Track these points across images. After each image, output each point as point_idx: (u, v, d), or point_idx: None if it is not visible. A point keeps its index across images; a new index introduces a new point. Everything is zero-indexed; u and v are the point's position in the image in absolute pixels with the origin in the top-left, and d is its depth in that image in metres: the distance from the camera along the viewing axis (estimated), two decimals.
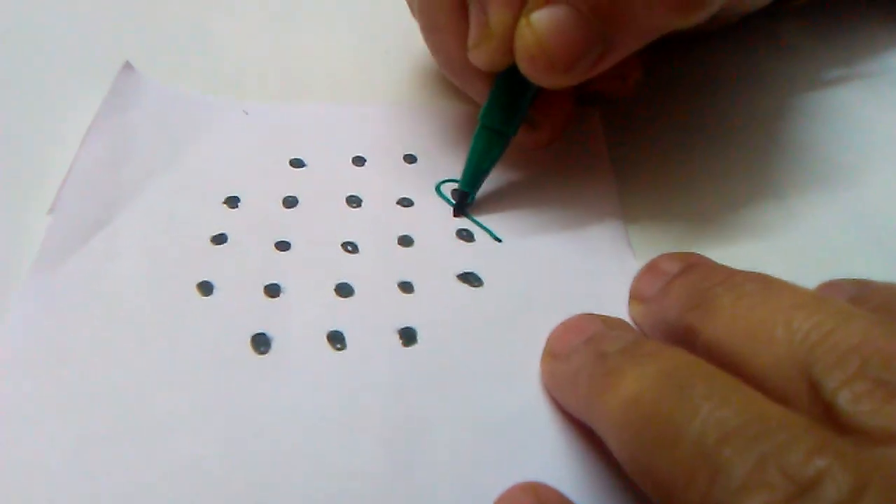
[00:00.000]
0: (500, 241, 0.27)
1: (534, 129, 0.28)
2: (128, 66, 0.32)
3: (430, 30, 0.28)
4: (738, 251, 0.26)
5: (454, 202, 0.28)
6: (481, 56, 0.26)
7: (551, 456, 0.21)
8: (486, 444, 0.21)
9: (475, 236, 0.27)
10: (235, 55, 0.35)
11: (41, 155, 0.29)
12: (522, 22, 0.24)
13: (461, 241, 0.27)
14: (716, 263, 0.22)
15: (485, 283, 0.25)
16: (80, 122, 0.29)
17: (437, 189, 0.28)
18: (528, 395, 0.22)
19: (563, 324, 0.22)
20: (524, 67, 0.24)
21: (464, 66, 0.27)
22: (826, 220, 0.28)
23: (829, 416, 0.15)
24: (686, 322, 0.20)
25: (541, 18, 0.23)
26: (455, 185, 0.29)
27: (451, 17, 0.27)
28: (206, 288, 0.25)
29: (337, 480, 0.20)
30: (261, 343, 0.23)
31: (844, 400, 0.15)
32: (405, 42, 0.32)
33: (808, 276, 0.20)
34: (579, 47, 0.23)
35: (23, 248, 0.25)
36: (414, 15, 0.29)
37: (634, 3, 0.23)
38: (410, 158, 0.30)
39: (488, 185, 0.28)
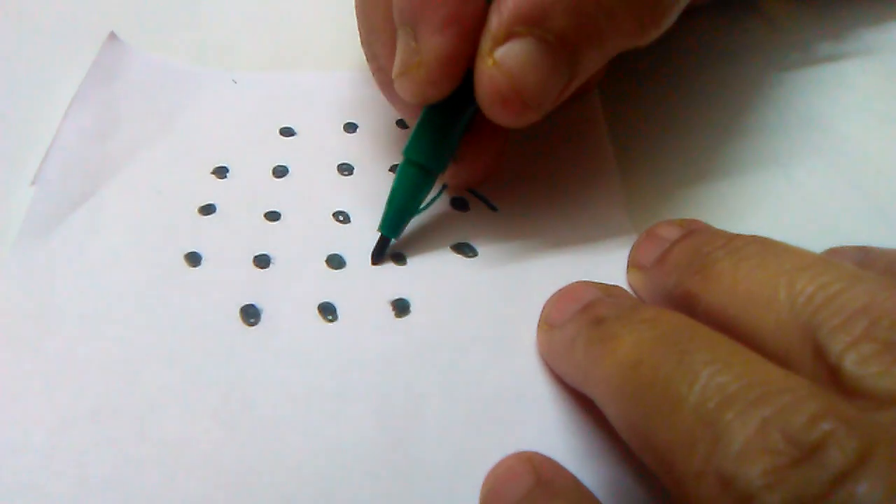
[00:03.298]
0: (496, 209, 0.26)
1: (460, 165, 0.25)
2: (112, 37, 0.31)
3: (366, 33, 0.25)
4: (738, 220, 0.26)
5: (373, 249, 0.24)
6: (408, 86, 0.22)
7: (547, 426, 0.20)
8: (480, 414, 0.21)
9: (470, 206, 0.26)
10: (223, 25, 0.34)
11: (24, 125, 0.28)
12: (487, 62, 0.21)
13: (455, 211, 0.26)
14: (716, 229, 0.22)
15: (479, 254, 0.25)
16: (65, 93, 0.29)
17: None
18: (524, 365, 0.22)
19: (559, 291, 0.22)
20: (492, 110, 0.22)
21: (391, 88, 0.24)
22: (828, 190, 0.28)
23: (833, 380, 0.15)
24: (686, 288, 0.19)
25: (509, 55, 0.21)
26: None
27: (386, 24, 0.23)
28: (194, 259, 0.24)
29: (329, 453, 0.20)
30: (250, 314, 0.23)
31: (850, 362, 0.15)
32: None
33: (811, 247, 0.20)
34: (552, 81, 0.21)
35: (6, 219, 0.25)
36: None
37: (600, 26, 0.21)
38: (403, 124, 0.29)
39: None
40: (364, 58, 0.26)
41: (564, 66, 0.21)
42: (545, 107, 0.22)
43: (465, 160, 0.25)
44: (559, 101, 0.22)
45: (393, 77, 0.23)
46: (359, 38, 0.26)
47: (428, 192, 0.25)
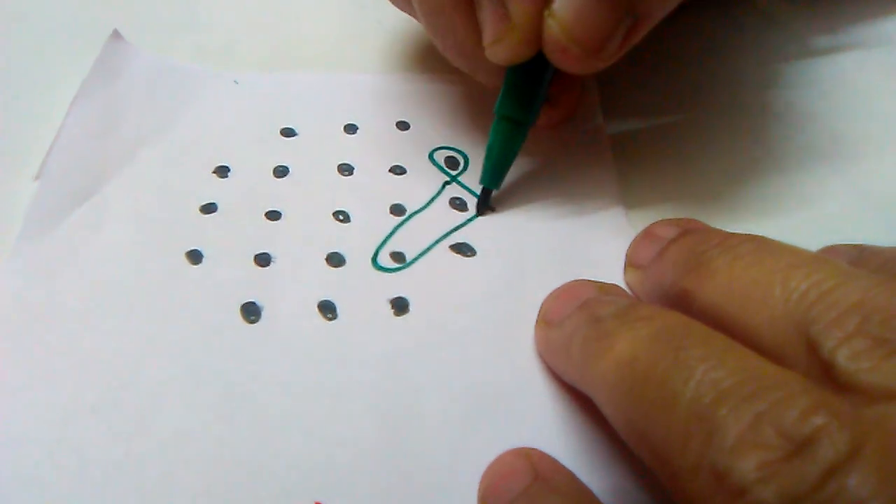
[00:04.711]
0: (494, 209, 0.26)
1: (551, 107, 0.27)
2: (116, 35, 0.31)
3: (434, 14, 0.26)
4: (734, 219, 0.26)
5: (478, 199, 0.26)
6: (503, 51, 0.24)
7: (545, 423, 0.21)
8: (478, 412, 0.21)
9: (468, 205, 0.26)
10: (225, 25, 0.34)
11: (28, 121, 0.28)
12: (546, 13, 0.22)
13: (454, 211, 0.26)
14: (712, 228, 0.22)
15: (478, 253, 0.25)
16: (68, 90, 0.29)
17: (431, 157, 0.28)
18: (522, 364, 0.22)
19: (556, 290, 0.22)
20: (556, 59, 0.23)
21: (474, 53, 0.25)
22: (824, 188, 0.28)
23: (827, 376, 0.15)
24: (682, 286, 0.20)
25: (562, 6, 0.22)
26: (449, 153, 0.28)
27: (458, 3, 0.25)
28: (195, 257, 0.24)
29: (328, 449, 0.20)
30: (251, 312, 0.23)
31: (843, 357, 0.15)
32: (396, 12, 0.31)
33: (807, 245, 0.20)
34: (608, 28, 0.22)
35: (9, 214, 0.25)
36: None
37: None
38: (403, 125, 0.29)
39: (481, 155, 0.28)
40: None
41: (621, 13, 0.22)
42: (608, 54, 0.23)
43: (555, 102, 0.27)
44: (625, 49, 0.23)
45: (486, 45, 0.24)
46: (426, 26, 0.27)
47: (521, 143, 0.26)
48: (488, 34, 0.24)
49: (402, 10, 0.29)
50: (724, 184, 0.28)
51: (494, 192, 0.26)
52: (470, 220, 0.26)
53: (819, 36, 0.35)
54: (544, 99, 0.26)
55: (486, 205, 0.26)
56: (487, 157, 0.26)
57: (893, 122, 0.30)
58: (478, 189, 0.27)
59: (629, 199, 0.27)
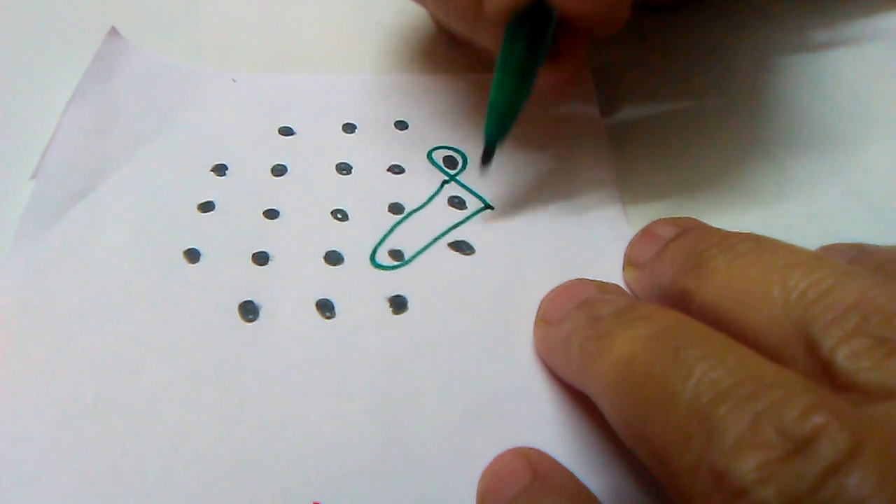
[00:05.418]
0: (492, 208, 0.26)
1: (556, 65, 0.26)
2: (113, 32, 0.31)
3: None
4: (732, 217, 0.26)
5: (482, 156, 0.26)
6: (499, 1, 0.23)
7: (544, 423, 0.21)
8: (477, 411, 0.21)
9: (467, 204, 0.26)
10: (224, 24, 0.34)
11: (25, 119, 0.28)
12: None
13: (453, 209, 0.26)
14: (711, 227, 0.22)
15: (476, 251, 0.25)
16: (65, 87, 0.29)
17: (429, 156, 0.28)
18: (520, 363, 0.22)
19: (555, 289, 0.22)
20: (561, 4, 0.23)
21: (475, 13, 0.25)
22: (823, 188, 0.28)
23: (826, 375, 0.15)
24: (681, 285, 0.20)
25: None
26: (447, 153, 0.28)
27: None
28: (192, 255, 0.24)
29: (327, 448, 0.20)
30: (249, 311, 0.23)
31: (843, 356, 0.15)
32: (396, 13, 0.31)
33: (806, 244, 0.20)
34: None
35: (5, 213, 0.25)
36: None
37: None
38: (401, 125, 0.29)
39: (480, 154, 0.28)
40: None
41: None
42: None
43: (560, 58, 0.26)
44: None
45: None
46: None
47: (526, 96, 0.25)
48: None
49: None
50: (722, 179, 0.28)
51: (498, 149, 0.26)
52: (480, 209, 0.26)
53: (816, 31, 0.35)
54: (548, 51, 0.25)
55: (489, 161, 0.26)
56: (490, 111, 0.25)
57: (890, 119, 0.30)
58: (477, 188, 0.27)
59: (627, 196, 0.27)
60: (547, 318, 0.22)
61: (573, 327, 0.20)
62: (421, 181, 0.27)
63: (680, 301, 0.20)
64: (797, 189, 0.28)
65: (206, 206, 0.26)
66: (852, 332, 0.15)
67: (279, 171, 0.27)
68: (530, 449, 0.19)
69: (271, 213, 0.26)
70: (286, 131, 0.29)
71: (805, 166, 0.28)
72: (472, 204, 0.26)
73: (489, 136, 0.25)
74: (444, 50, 0.31)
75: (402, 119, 0.29)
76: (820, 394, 0.14)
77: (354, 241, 0.25)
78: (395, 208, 0.26)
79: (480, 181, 0.27)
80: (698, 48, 0.34)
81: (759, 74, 0.32)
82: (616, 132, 0.29)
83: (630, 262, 0.23)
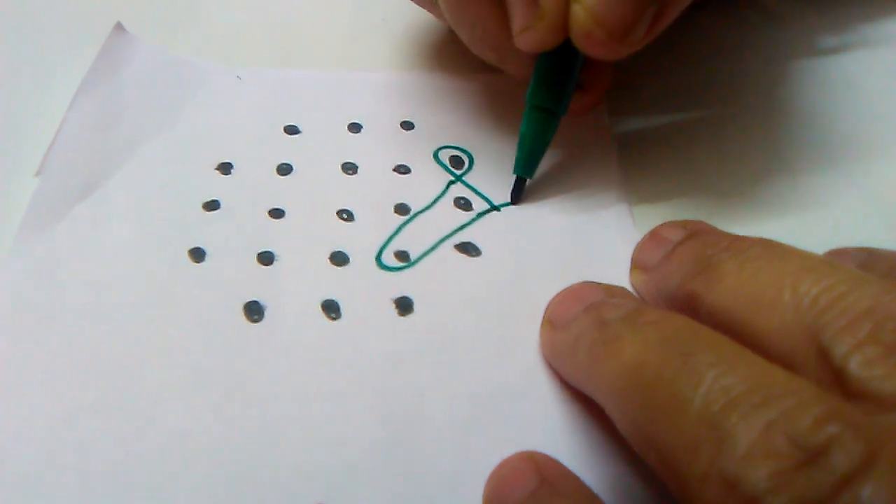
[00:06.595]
0: (498, 209, 0.26)
1: (582, 93, 0.27)
2: (119, 27, 0.31)
3: (460, 5, 0.26)
4: (741, 222, 0.26)
5: (512, 189, 0.26)
6: (532, 39, 0.24)
7: (550, 426, 0.21)
8: (483, 414, 0.21)
9: (473, 205, 0.26)
10: (230, 20, 0.34)
11: (29, 115, 0.28)
12: (573, 1, 0.23)
13: (459, 210, 0.26)
14: (719, 230, 0.22)
15: (483, 253, 0.25)
16: (70, 83, 0.29)
17: (435, 156, 0.28)
18: (526, 366, 0.22)
19: (562, 292, 0.22)
20: (582, 45, 0.23)
21: (503, 43, 0.26)
22: (832, 191, 0.27)
23: (838, 383, 0.15)
24: (689, 289, 0.19)
25: None
26: (454, 152, 0.28)
27: None
28: (197, 254, 0.24)
29: (331, 450, 0.20)
30: (254, 311, 0.23)
31: (855, 364, 0.15)
32: (402, 9, 0.31)
33: (815, 248, 0.20)
34: (634, 13, 0.22)
35: (9, 210, 0.25)
36: None
37: None
38: (408, 125, 0.29)
39: (486, 154, 0.27)
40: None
41: None
42: (634, 40, 0.23)
43: (585, 90, 0.27)
44: (652, 35, 0.23)
45: (515, 33, 0.24)
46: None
47: (554, 131, 0.26)
48: (517, 22, 0.24)
49: (421, 6, 0.29)
50: (730, 184, 0.28)
51: (529, 182, 0.27)
52: (487, 210, 0.26)
53: (826, 35, 0.34)
54: (575, 86, 0.26)
55: (520, 194, 0.26)
56: (520, 147, 0.26)
57: None
58: (482, 188, 0.27)
59: (634, 199, 0.27)
60: (554, 321, 0.21)
61: (581, 331, 0.20)
62: (427, 181, 0.27)
63: (688, 305, 0.19)
64: (808, 193, 0.27)
65: (212, 205, 0.26)
66: (865, 340, 0.15)
67: (285, 170, 0.27)
68: (537, 453, 0.19)
69: (277, 213, 0.26)
70: (292, 130, 0.29)
71: (816, 171, 0.28)
72: (479, 205, 0.26)
73: (520, 170, 0.26)
74: (450, 48, 0.31)
75: (408, 119, 0.29)
76: (833, 403, 0.14)
77: (360, 241, 0.25)
78: (401, 209, 0.26)
79: (487, 182, 0.27)
80: (708, 52, 0.33)
81: (769, 78, 0.32)
82: (624, 135, 0.29)
83: (637, 266, 0.23)
